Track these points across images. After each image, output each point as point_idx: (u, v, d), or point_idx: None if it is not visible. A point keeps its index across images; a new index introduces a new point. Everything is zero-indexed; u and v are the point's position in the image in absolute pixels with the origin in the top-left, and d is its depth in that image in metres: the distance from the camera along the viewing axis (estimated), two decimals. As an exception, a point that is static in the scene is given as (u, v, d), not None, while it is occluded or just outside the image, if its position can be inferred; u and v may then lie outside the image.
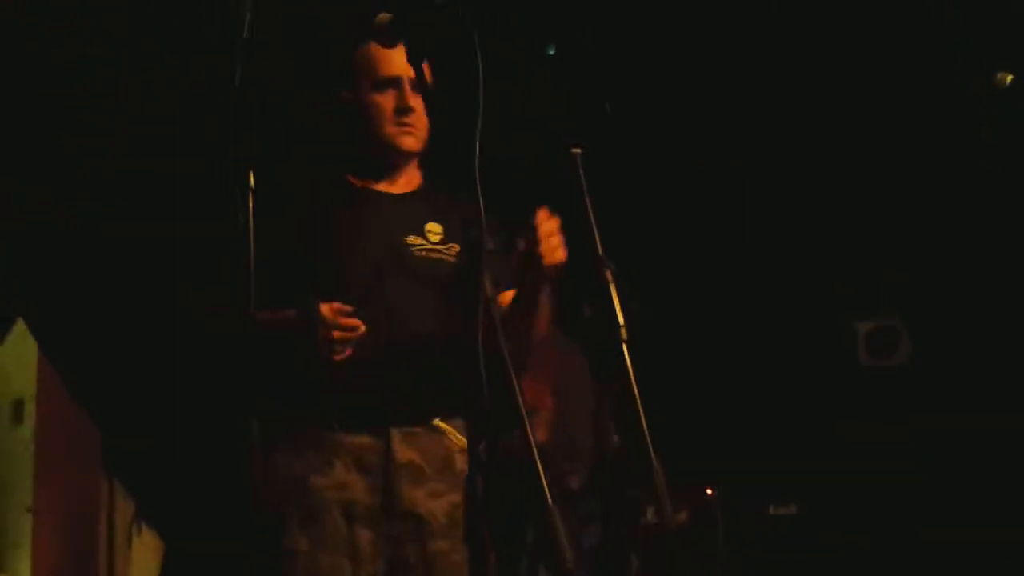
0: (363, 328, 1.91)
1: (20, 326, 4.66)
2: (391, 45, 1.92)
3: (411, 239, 2.11)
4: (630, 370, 1.54)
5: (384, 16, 1.84)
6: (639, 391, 1.55)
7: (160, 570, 4.63)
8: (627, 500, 3.73)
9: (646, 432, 1.49)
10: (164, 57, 3.75)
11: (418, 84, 1.99)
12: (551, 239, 1.83)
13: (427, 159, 2.18)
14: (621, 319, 1.59)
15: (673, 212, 4.42)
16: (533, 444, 1.39)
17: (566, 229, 1.82)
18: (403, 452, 2.02)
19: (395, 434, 2.02)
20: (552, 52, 3.68)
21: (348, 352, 1.92)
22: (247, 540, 1.68)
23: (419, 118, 2.11)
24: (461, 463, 2.02)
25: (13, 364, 5.59)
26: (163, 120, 3.93)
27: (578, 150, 1.80)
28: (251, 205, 1.51)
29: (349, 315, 1.91)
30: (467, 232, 2.04)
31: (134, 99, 3.86)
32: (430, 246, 2.11)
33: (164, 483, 4.59)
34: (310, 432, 2.03)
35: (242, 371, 1.53)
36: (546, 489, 1.38)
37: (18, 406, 5.85)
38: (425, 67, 1.98)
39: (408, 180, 2.19)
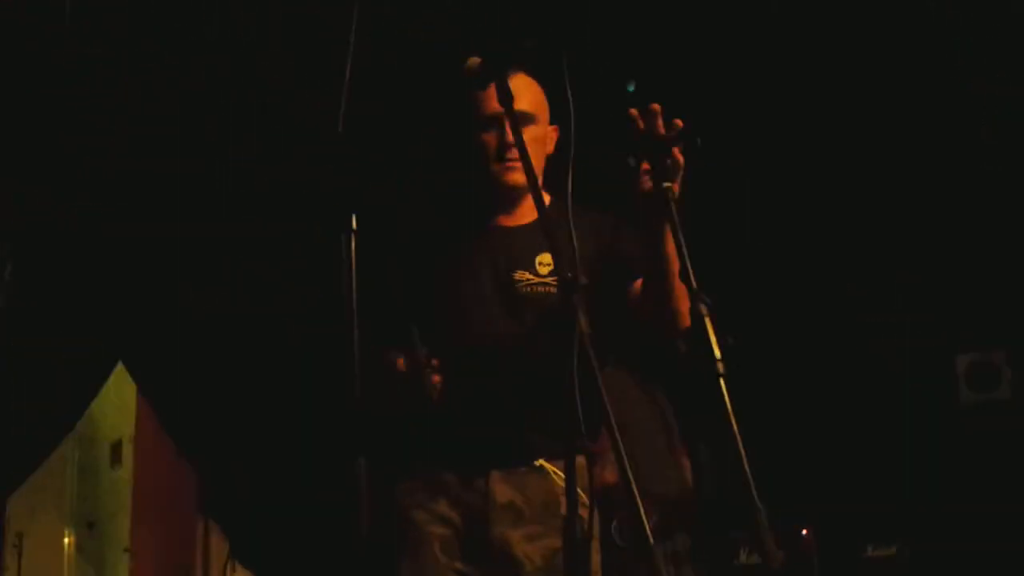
0: (436, 379, 1.90)
1: (120, 369, 4.77)
2: (483, 88, 1.93)
3: (519, 274, 2.10)
4: (728, 405, 1.51)
5: (473, 60, 1.85)
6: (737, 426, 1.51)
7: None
8: (721, 540, 3.66)
9: (747, 469, 1.45)
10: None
11: (520, 118, 1.97)
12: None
13: (556, 185, 2.15)
14: (718, 353, 1.56)
15: (758, 243, 4.37)
16: (633, 486, 1.37)
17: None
18: (503, 492, 2.02)
19: (495, 474, 2.02)
20: (632, 90, 3.68)
21: (429, 401, 1.91)
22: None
23: (522, 153, 2.10)
24: (567, 507, 1.92)
25: (113, 406, 5.73)
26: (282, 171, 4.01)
27: (669, 184, 1.78)
28: (353, 247, 1.53)
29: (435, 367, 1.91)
30: (561, 270, 2.02)
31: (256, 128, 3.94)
32: (537, 279, 2.09)
33: (258, 524, 4.64)
34: (415, 468, 2.06)
35: (357, 406, 1.54)
36: (646, 525, 1.36)
37: (117, 448, 6.00)
38: (532, 97, 2.06)
39: (528, 211, 2.14)
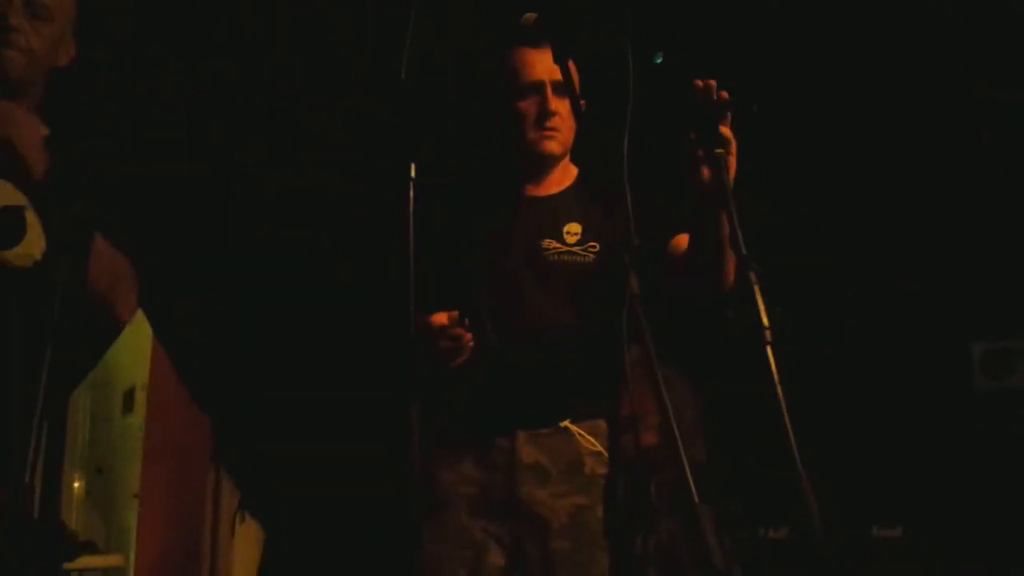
0: (469, 339, 1.93)
1: (137, 314, 4.78)
2: (536, 45, 1.94)
3: (547, 243, 2.14)
4: (775, 372, 1.52)
5: (530, 16, 1.86)
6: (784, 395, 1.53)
7: (261, 560, 4.71)
8: (728, 512, 3.69)
9: (791, 437, 1.46)
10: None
11: (563, 87, 2.04)
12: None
13: (583, 156, 2.19)
14: (766, 321, 1.57)
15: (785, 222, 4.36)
16: (680, 447, 1.38)
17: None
18: (528, 453, 2.05)
19: (521, 435, 2.06)
20: (660, 60, 3.68)
21: (460, 360, 1.95)
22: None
23: (563, 121, 2.15)
24: (591, 465, 2.06)
25: (127, 353, 5.74)
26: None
27: (722, 151, 1.80)
28: (411, 196, 1.54)
29: (466, 326, 1.93)
30: (612, 231, 2.04)
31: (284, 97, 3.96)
32: (565, 248, 2.13)
33: (270, 475, 4.67)
34: (441, 429, 2.07)
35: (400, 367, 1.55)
36: (693, 487, 1.38)
37: (129, 394, 6.02)
38: (572, 67, 2.04)
39: (559, 180, 2.22)
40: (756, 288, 1.60)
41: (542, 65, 2.10)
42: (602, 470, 2.07)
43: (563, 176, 2.25)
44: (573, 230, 2.14)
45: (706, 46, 3.80)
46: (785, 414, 1.49)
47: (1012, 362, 4.34)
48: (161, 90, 4.12)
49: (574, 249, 2.12)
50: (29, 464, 1.38)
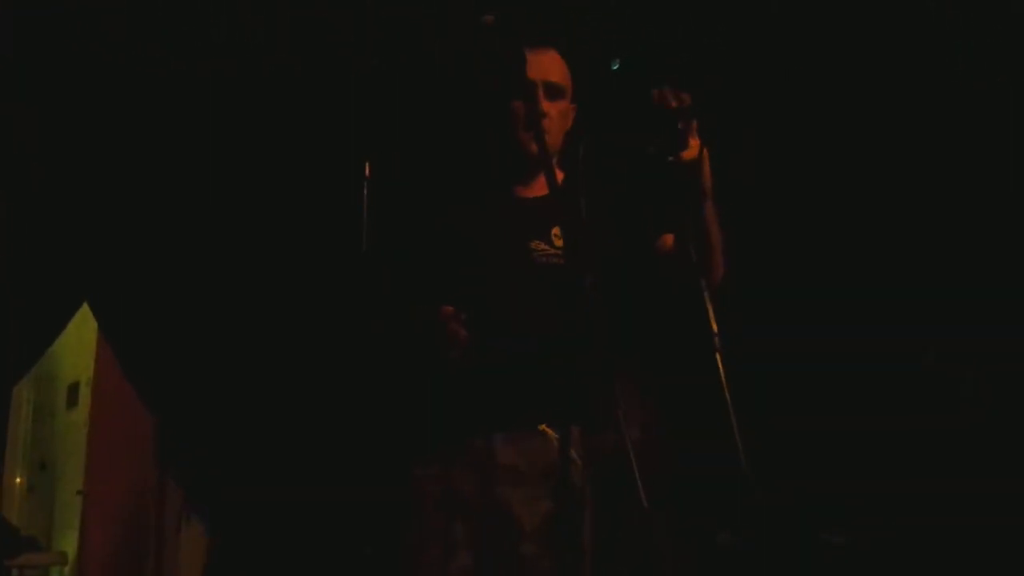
0: (463, 335, 1.94)
1: (83, 309, 4.71)
2: (531, 46, 1.97)
3: (535, 244, 2.14)
4: (723, 378, 1.51)
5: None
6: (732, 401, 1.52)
7: (206, 557, 4.66)
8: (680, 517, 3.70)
9: (740, 445, 1.46)
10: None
11: (555, 89, 2.12)
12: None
13: (569, 160, 2.19)
14: (715, 327, 1.56)
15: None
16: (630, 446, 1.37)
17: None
18: (505, 454, 2.05)
19: (499, 437, 2.06)
20: (616, 68, 3.67)
21: (455, 354, 1.96)
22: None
23: (552, 123, 2.16)
24: (563, 472, 2.01)
25: (72, 347, 5.65)
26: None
27: (673, 158, 1.79)
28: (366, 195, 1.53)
29: (463, 321, 1.96)
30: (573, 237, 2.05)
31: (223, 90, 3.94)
32: (552, 251, 2.14)
33: (214, 474, 4.61)
34: (417, 428, 2.11)
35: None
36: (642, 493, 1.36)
37: (74, 389, 5.93)
38: (562, 73, 2.12)
39: (539, 185, 2.21)
40: (705, 296, 1.59)
41: (536, 66, 2.12)
42: (575, 476, 2.03)
43: (541, 181, 2.22)
44: (560, 233, 2.14)
45: (696, 49, 3.81)
46: (733, 419, 1.48)
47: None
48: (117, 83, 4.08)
49: (561, 252, 2.13)
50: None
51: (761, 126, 3.98)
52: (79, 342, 5.59)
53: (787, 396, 4.26)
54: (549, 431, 2.06)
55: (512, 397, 2.05)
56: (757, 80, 3.95)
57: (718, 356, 1.55)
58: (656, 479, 1.42)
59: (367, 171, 1.57)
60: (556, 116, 2.15)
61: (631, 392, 1.55)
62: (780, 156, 4.13)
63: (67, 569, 5.36)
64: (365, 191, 1.57)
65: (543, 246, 2.14)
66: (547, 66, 2.11)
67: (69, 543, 5.47)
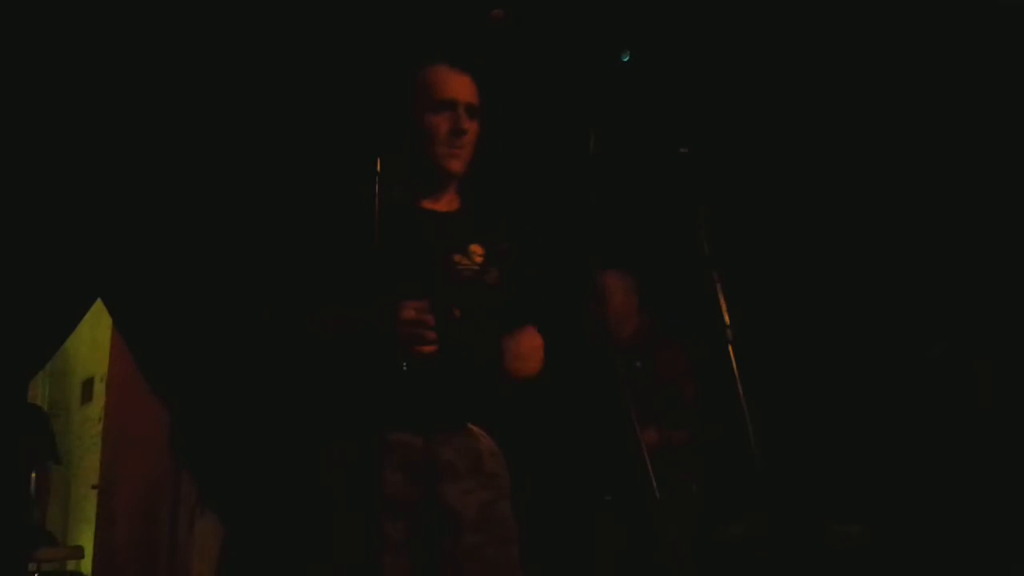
0: (432, 336, 2.04)
1: (97, 305, 4.74)
2: (454, 66, 2.14)
3: (457, 258, 2.24)
4: (736, 371, 1.53)
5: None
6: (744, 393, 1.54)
7: (221, 552, 4.69)
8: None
9: (751, 434, 1.48)
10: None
11: (474, 110, 2.22)
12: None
13: (466, 182, 2.30)
14: (727, 320, 1.58)
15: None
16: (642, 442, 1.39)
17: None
18: (443, 452, 2.15)
19: (437, 436, 2.15)
20: (627, 59, 3.67)
21: (426, 350, 2.04)
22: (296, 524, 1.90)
23: (469, 142, 2.25)
24: (490, 464, 2.20)
25: (86, 343, 5.69)
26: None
27: (685, 150, 1.81)
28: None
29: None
30: (506, 257, 2.22)
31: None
32: (473, 266, 2.24)
33: (229, 467, 4.63)
34: (359, 429, 2.11)
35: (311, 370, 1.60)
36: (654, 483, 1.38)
37: (88, 385, 5.96)
38: (478, 94, 2.23)
39: (451, 199, 2.33)
40: (718, 287, 1.61)
41: (458, 85, 2.22)
42: (498, 468, 2.21)
43: (452, 198, 2.35)
44: (477, 251, 2.25)
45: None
46: (745, 411, 1.50)
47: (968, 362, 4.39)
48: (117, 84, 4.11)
49: (478, 268, 2.24)
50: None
51: (771, 124, 4.01)
52: (93, 338, 5.63)
53: (798, 387, 4.28)
54: (475, 429, 2.21)
55: (446, 400, 2.15)
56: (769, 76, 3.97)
57: (730, 348, 1.57)
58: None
59: (378, 166, 1.60)
60: (472, 136, 2.25)
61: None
62: (793, 152, 4.16)
63: (83, 563, 5.39)
64: (376, 187, 1.60)
65: (465, 261, 2.23)
66: (467, 87, 2.22)
67: (85, 537, 5.50)
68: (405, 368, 2.02)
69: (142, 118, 4.24)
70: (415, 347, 2.02)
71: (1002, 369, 4.14)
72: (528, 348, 2.19)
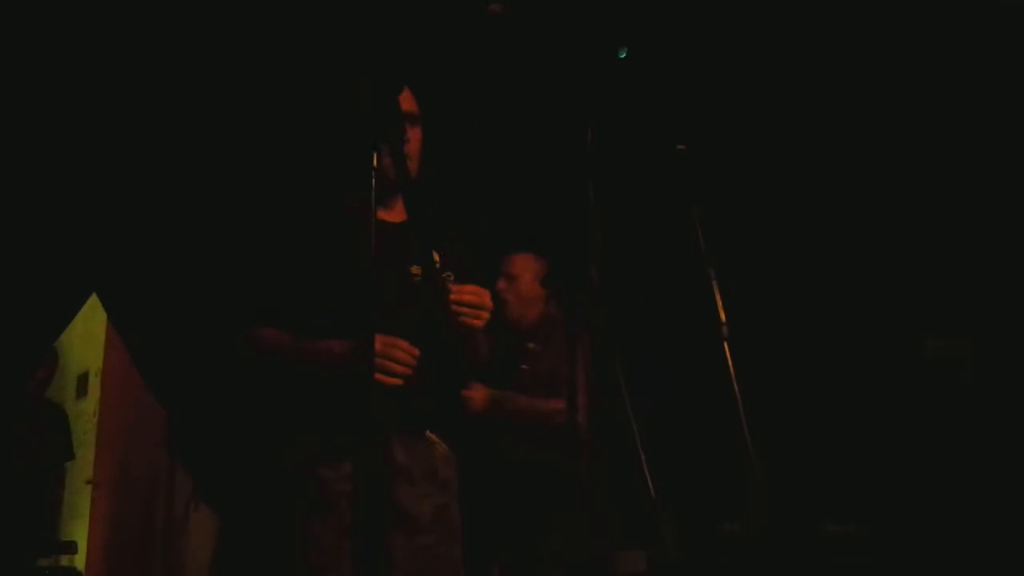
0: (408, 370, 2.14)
1: (92, 300, 4.74)
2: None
3: (414, 268, 2.32)
4: (731, 369, 1.54)
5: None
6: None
7: (216, 546, 4.69)
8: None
9: (747, 432, 1.48)
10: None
11: (415, 119, 2.33)
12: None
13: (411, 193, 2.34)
14: (723, 317, 1.58)
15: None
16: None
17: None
18: (400, 456, 2.24)
19: (395, 441, 2.24)
20: (624, 56, 3.67)
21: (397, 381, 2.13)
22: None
23: (413, 148, 2.33)
24: (443, 470, 2.30)
25: (80, 338, 5.68)
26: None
27: (683, 147, 1.81)
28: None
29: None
30: (459, 265, 2.33)
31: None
32: (437, 272, 2.31)
33: (223, 462, 4.64)
34: (324, 434, 2.21)
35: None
36: (649, 481, 1.39)
37: (83, 380, 5.95)
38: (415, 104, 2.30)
39: (399, 210, 2.39)
40: (714, 284, 1.61)
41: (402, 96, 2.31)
42: (451, 473, 2.32)
43: (399, 208, 2.40)
44: (435, 258, 2.32)
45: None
46: (741, 409, 1.50)
47: (960, 361, 4.39)
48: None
49: (437, 274, 2.31)
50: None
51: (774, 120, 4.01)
52: (88, 332, 5.62)
53: (792, 385, 4.28)
54: (432, 436, 2.30)
55: (404, 406, 2.21)
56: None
57: (726, 345, 1.57)
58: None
59: (375, 161, 1.63)
60: (416, 142, 2.34)
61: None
62: (790, 150, 4.16)
63: (77, 558, 5.39)
64: (373, 181, 1.63)
65: (420, 270, 2.31)
66: (405, 98, 2.27)
67: (79, 533, 5.49)
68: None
69: (138, 118, 4.25)
70: (383, 379, 2.10)
71: (997, 364, 4.15)
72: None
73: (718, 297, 1.59)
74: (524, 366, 3.50)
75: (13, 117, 4.18)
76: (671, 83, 1.82)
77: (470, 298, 2.18)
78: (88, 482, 5.42)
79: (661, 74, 1.79)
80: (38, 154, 4.29)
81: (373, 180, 1.63)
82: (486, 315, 2.19)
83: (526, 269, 3.65)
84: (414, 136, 2.33)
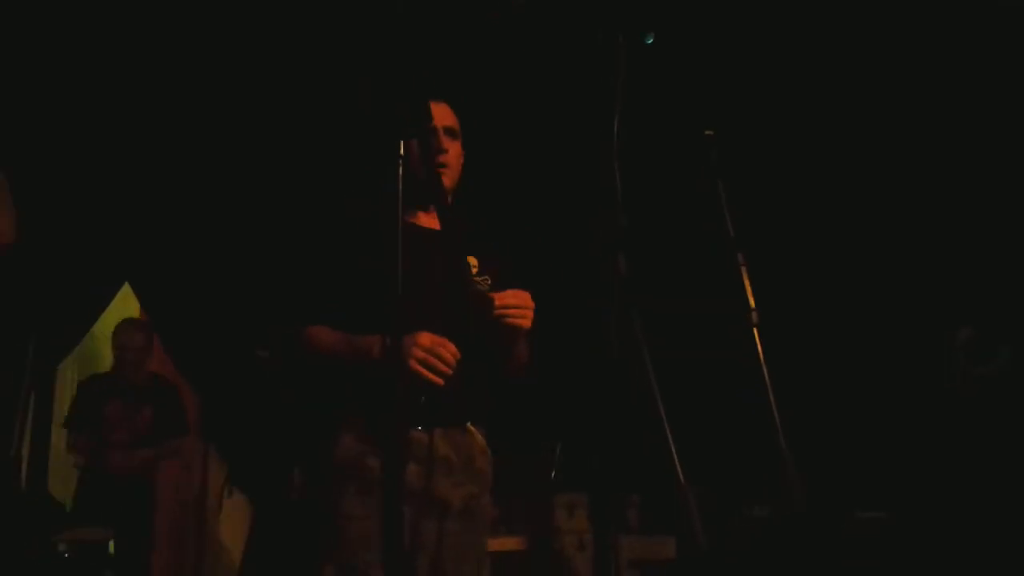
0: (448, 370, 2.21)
1: (125, 289, 4.78)
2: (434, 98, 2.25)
3: (480, 278, 2.43)
4: (761, 354, 1.53)
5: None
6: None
7: (249, 531, 4.73)
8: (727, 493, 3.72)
9: (777, 417, 1.48)
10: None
11: (454, 133, 2.45)
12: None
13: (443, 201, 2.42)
14: (752, 303, 1.58)
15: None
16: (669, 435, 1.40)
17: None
18: (442, 447, 2.34)
19: (438, 432, 2.33)
20: (650, 41, 3.65)
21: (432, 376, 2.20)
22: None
23: (450, 159, 2.44)
24: (480, 461, 2.40)
25: (115, 325, 5.72)
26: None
27: (711, 132, 1.81)
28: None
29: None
30: (495, 270, 2.43)
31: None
32: (474, 277, 2.44)
33: (256, 449, 4.68)
34: (372, 423, 2.29)
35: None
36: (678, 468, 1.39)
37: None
38: (455, 121, 2.43)
39: (434, 217, 2.47)
40: (744, 271, 1.61)
41: (438, 112, 2.41)
42: (486, 465, 2.42)
43: (434, 215, 2.49)
44: (472, 262, 2.46)
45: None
46: (771, 395, 1.50)
47: (995, 347, 4.36)
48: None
49: (476, 279, 2.44)
50: (16, 436, 1.39)
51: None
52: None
53: (822, 372, 4.27)
54: (472, 428, 2.40)
55: (447, 400, 2.29)
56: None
57: (755, 331, 1.56)
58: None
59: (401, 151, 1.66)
60: (454, 156, 2.44)
61: None
62: (819, 139, 4.14)
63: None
64: (400, 171, 1.66)
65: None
66: (443, 114, 2.43)
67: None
68: (423, 401, 2.21)
69: (170, 105, 4.29)
70: (428, 377, 2.18)
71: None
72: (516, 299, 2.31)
73: (747, 283, 1.58)
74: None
75: (56, 120, 4.24)
76: (700, 68, 1.81)
77: (513, 300, 2.27)
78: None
79: (689, 59, 1.78)
80: (74, 155, 4.35)
81: (400, 169, 1.63)
82: (531, 314, 2.26)
83: None
84: (453, 150, 2.44)
